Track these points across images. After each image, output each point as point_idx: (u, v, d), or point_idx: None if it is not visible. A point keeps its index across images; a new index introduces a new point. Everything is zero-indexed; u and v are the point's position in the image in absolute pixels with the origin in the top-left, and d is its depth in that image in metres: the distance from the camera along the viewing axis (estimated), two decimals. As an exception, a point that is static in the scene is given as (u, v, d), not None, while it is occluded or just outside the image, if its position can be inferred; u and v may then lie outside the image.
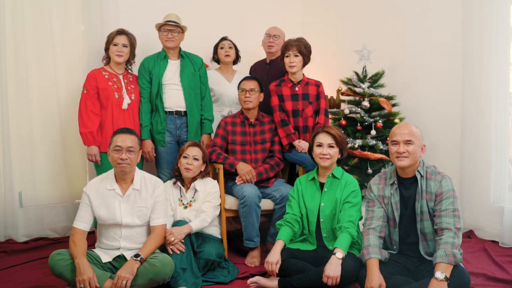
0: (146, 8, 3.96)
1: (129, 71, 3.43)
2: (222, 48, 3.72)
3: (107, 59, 3.35)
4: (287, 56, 3.33)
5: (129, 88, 3.31)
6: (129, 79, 3.35)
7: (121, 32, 3.28)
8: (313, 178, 2.80)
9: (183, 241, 2.66)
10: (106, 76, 3.26)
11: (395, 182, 2.48)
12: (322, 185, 2.76)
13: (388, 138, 2.55)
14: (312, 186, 2.79)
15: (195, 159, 2.98)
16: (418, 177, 2.42)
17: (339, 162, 2.80)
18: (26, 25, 3.51)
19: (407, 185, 2.46)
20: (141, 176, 2.65)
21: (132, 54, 3.36)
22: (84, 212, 2.58)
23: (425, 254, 2.40)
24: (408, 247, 2.46)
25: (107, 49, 3.31)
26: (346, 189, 2.69)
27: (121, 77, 3.31)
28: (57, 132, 3.64)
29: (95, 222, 3.09)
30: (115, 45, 3.25)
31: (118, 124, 3.16)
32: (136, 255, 2.44)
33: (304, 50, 3.32)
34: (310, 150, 2.82)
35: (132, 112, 3.29)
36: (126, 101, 3.26)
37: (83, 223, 2.56)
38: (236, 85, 3.51)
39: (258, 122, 3.35)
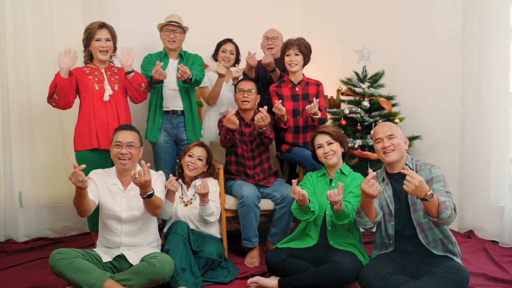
0: (146, 8, 3.96)
1: (112, 64, 3.23)
2: (223, 52, 3.71)
3: (88, 57, 3.13)
4: (287, 55, 3.33)
5: (112, 79, 3.10)
6: (113, 71, 3.15)
7: (102, 25, 3.06)
8: (324, 174, 2.83)
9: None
10: (87, 71, 3.07)
11: (385, 177, 2.55)
12: (331, 182, 2.80)
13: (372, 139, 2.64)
14: (322, 182, 2.82)
15: (199, 159, 3.02)
16: None
17: (344, 156, 2.83)
18: (26, 25, 3.52)
19: (398, 179, 2.50)
20: None
21: (115, 47, 3.15)
22: (91, 187, 2.55)
23: (426, 244, 2.42)
24: (406, 241, 2.48)
25: (87, 46, 3.09)
26: (352, 183, 2.73)
27: (103, 70, 3.11)
28: (57, 132, 3.65)
29: (92, 225, 3.11)
30: (98, 40, 3.04)
31: (100, 118, 3.01)
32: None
33: (304, 49, 3.33)
34: (314, 155, 2.84)
35: (115, 104, 3.07)
36: (108, 92, 3.04)
37: (91, 194, 2.53)
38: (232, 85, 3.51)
39: (253, 122, 3.34)
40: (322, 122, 3.34)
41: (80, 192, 2.36)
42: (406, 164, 2.50)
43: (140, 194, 2.46)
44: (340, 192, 2.42)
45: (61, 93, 2.92)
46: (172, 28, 3.39)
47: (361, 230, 2.72)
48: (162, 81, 3.23)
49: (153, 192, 2.47)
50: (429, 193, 2.18)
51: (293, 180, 2.53)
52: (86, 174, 2.80)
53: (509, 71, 3.37)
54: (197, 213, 2.96)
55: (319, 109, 3.38)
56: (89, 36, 3.05)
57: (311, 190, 2.80)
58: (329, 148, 2.74)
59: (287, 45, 3.34)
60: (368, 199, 2.35)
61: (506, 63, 3.35)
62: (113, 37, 3.12)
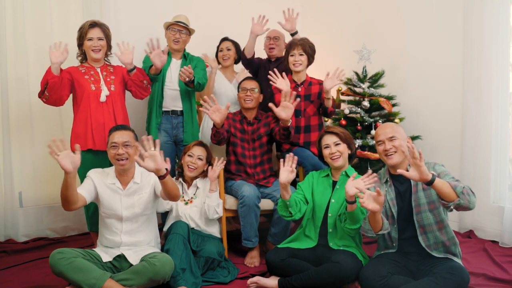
0: (146, 8, 3.96)
1: (108, 63, 3.18)
2: (221, 51, 3.74)
3: (82, 56, 3.11)
4: (291, 55, 3.33)
5: (108, 79, 3.06)
6: (109, 71, 3.10)
7: (93, 24, 3.03)
8: (327, 175, 2.82)
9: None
10: (83, 71, 3.04)
11: (388, 179, 2.53)
12: (334, 183, 2.78)
13: (372, 139, 2.61)
14: (324, 182, 2.81)
15: (199, 158, 3.02)
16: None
17: (350, 158, 2.81)
18: (26, 25, 3.52)
19: (402, 180, 2.49)
20: (141, 171, 2.68)
21: (109, 46, 3.11)
22: (86, 184, 2.58)
23: (426, 247, 2.41)
24: (407, 242, 2.47)
25: (80, 45, 3.06)
26: None
27: (99, 69, 3.07)
28: (57, 132, 3.64)
29: (91, 225, 3.11)
30: (90, 39, 3.01)
31: (97, 118, 2.97)
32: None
33: (308, 49, 3.33)
34: (320, 155, 2.83)
35: (112, 105, 3.03)
36: (104, 93, 3.00)
37: (83, 190, 2.54)
38: (236, 86, 3.51)
39: (256, 121, 3.34)
40: (330, 114, 3.33)
41: (66, 179, 2.33)
42: (410, 166, 2.49)
43: (158, 176, 2.39)
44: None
45: (52, 90, 2.92)
46: (179, 29, 3.39)
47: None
48: (159, 74, 3.21)
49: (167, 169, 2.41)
50: (433, 172, 2.20)
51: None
52: (82, 175, 2.80)
53: (509, 71, 3.37)
54: (198, 212, 2.97)
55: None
56: (81, 36, 3.05)
57: (302, 194, 2.79)
58: (336, 149, 2.72)
59: (291, 45, 3.33)
60: (372, 213, 2.33)
61: (506, 63, 3.35)
62: (107, 36, 3.09)
